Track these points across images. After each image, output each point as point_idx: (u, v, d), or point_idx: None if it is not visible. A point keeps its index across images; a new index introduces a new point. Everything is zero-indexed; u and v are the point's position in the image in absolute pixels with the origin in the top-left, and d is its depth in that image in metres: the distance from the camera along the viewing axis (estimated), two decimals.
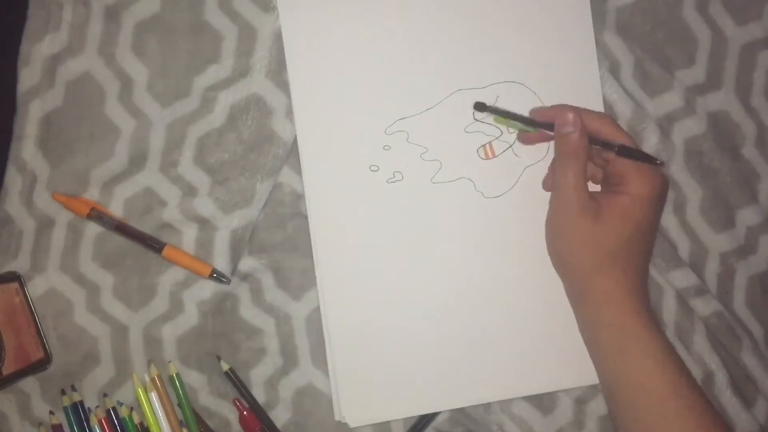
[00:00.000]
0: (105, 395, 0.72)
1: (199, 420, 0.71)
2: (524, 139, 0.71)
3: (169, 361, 0.72)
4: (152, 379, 0.71)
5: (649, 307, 0.67)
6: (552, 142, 0.71)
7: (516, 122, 0.69)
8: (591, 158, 0.68)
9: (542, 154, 0.72)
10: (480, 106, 0.69)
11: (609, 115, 0.68)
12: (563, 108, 0.67)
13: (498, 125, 0.71)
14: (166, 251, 0.71)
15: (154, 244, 0.71)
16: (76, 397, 0.71)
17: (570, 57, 0.72)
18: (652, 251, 0.70)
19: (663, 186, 0.66)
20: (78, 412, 0.71)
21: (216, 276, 0.71)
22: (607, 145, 0.65)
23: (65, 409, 0.71)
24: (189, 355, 0.72)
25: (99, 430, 0.71)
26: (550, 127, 0.67)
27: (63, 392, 0.71)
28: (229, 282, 0.71)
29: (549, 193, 0.70)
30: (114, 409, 0.71)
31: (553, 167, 0.70)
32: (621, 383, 0.65)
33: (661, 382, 0.64)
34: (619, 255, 0.64)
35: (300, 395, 0.73)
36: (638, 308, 0.65)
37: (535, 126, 0.68)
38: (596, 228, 0.64)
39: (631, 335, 0.65)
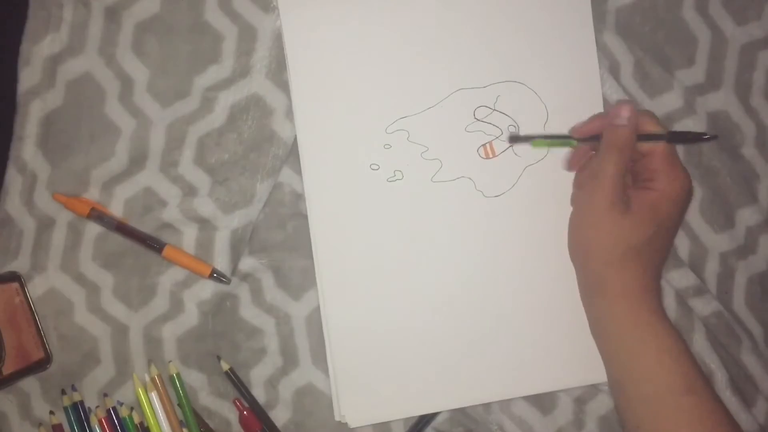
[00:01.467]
0: (105, 395, 0.72)
1: (199, 420, 0.71)
2: (571, 164, 0.71)
3: (169, 361, 0.72)
4: (152, 379, 0.71)
5: (662, 306, 0.67)
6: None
7: (555, 141, 0.70)
8: None
9: (543, 153, 0.72)
10: (514, 138, 0.71)
11: (650, 111, 0.69)
12: (619, 103, 0.68)
13: (538, 148, 0.71)
14: (166, 251, 0.71)
15: (154, 244, 0.71)
16: (77, 397, 0.71)
17: (571, 56, 0.72)
18: (669, 253, 0.70)
19: (690, 187, 0.67)
20: (78, 412, 0.71)
21: (216, 276, 0.71)
22: (655, 137, 0.66)
23: (65, 409, 0.71)
24: (189, 355, 0.72)
25: (99, 430, 0.71)
26: (594, 139, 0.68)
27: (63, 392, 0.71)
28: (229, 282, 0.71)
29: (549, 193, 0.71)
30: (114, 408, 0.71)
31: (584, 165, 0.70)
32: (634, 377, 0.66)
33: (676, 377, 0.64)
34: (642, 250, 0.65)
35: (300, 395, 0.73)
36: (655, 305, 0.66)
37: (578, 140, 0.69)
38: (625, 221, 0.64)
39: (646, 330, 0.65)
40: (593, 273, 0.68)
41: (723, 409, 0.65)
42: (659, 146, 0.65)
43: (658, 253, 0.67)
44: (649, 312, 0.66)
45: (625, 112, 0.65)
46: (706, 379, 0.65)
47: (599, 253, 0.66)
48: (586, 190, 0.68)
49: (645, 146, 0.66)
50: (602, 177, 0.65)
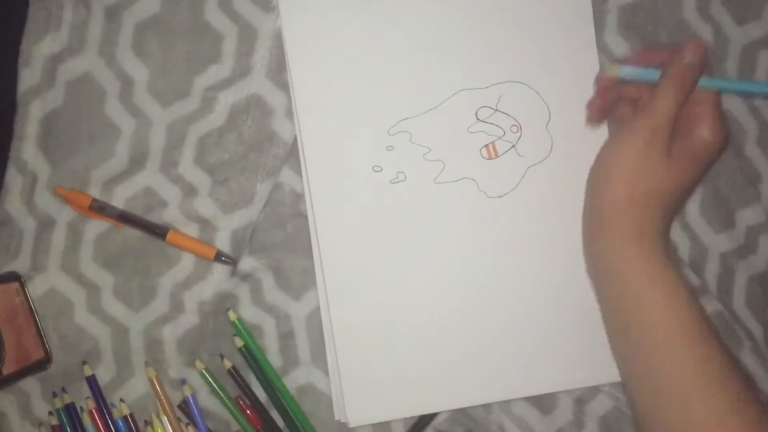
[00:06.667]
0: (87, 398, 0.72)
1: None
2: (597, 112, 0.69)
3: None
4: (150, 380, 0.71)
5: (673, 254, 0.65)
6: (554, 141, 0.71)
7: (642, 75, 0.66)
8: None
9: (545, 153, 0.72)
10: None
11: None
12: (691, 40, 0.65)
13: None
14: (170, 236, 0.71)
15: (157, 230, 0.71)
16: (67, 399, 0.71)
17: (572, 56, 0.72)
18: (683, 208, 0.71)
19: (729, 137, 0.65)
20: (70, 414, 0.71)
21: (222, 258, 0.71)
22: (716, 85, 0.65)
23: (58, 411, 0.71)
24: (189, 356, 0.72)
25: (91, 424, 0.71)
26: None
27: (54, 395, 0.71)
28: (235, 263, 0.72)
29: (552, 193, 0.71)
30: (105, 403, 0.71)
31: (604, 98, 0.69)
32: (641, 324, 0.62)
33: (688, 325, 0.61)
34: (669, 197, 0.63)
35: (300, 395, 0.73)
36: (667, 252, 0.63)
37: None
38: (663, 163, 0.62)
39: (657, 274, 0.62)
40: (611, 204, 0.64)
41: (734, 361, 0.62)
42: (708, 94, 0.64)
43: (679, 203, 0.66)
44: (661, 257, 0.62)
45: (698, 51, 0.63)
46: (716, 330, 0.62)
47: (626, 186, 0.63)
48: (631, 122, 0.64)
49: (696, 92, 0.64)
50: (656, 113, 0.62)
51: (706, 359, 0.60)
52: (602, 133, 0.72)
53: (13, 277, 0.71)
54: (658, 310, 0.62)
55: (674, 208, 0.65)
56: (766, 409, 0.60)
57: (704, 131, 0.63)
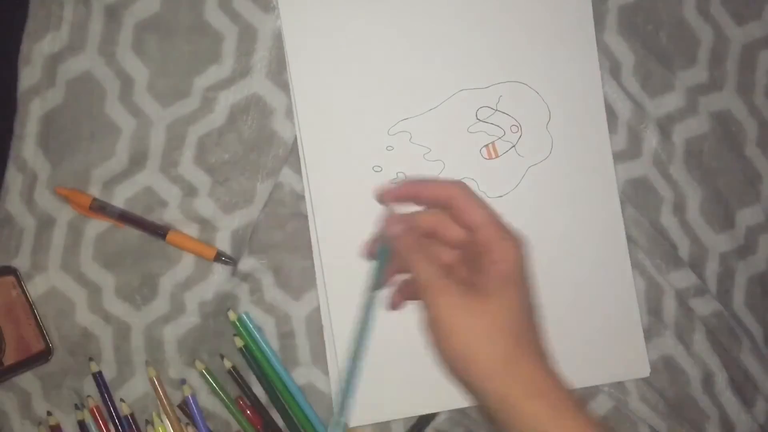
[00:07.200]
0: (88, 396, 0.72)
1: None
2: (396, 300, 0.62)
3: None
4: (150, 380, 0.71)
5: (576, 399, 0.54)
6: (554, 141, 0.71)
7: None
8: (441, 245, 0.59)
9: (545, 153, 0.72)
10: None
11: (458, 184, 0.57)
12: (388, 219, 0.59)
13: None
14: (170, 236, 0.71)
15: (158, 230, 0.71)
16: (94, 368, 0.71)
17: (571, 56, 0.72)
18: (541, 332, 0.57)
19: (523, 242, 0.55)
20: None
21: (222, 259, 0.71)
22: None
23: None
24: (190, 356, 0.72)
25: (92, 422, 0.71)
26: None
27: (76, 407, 0.71)
28: (235, 263, 0.72)
29: (553, 193, 0.71)
30: (112, 400, 0.71)
31: (402, 288, 0.62)
32: None
33: None
34: (525, 331, 0.55)
35: None
36: (572, 400, 0.53)
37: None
38: (488, 305, 0.53)
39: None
40: (487, 382, 0.53)
41: None
42: (479, 216, 0.55)
43: (537, 330, 0.56)
44: (570, 409, 0.52)
45: (390, 221, 0.58)
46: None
47: (482, 355, 0.53)
48: (426, 305, 0.55)
49: (467, 220, 0.56)
50: (426, 281, 0.54)
51: None
52: (602, 132, 0.72)
53: (9, 270, 0.71)
54: None
55: (540, 340, 0.57)
56: None
57: (497, 254, 0.54)
